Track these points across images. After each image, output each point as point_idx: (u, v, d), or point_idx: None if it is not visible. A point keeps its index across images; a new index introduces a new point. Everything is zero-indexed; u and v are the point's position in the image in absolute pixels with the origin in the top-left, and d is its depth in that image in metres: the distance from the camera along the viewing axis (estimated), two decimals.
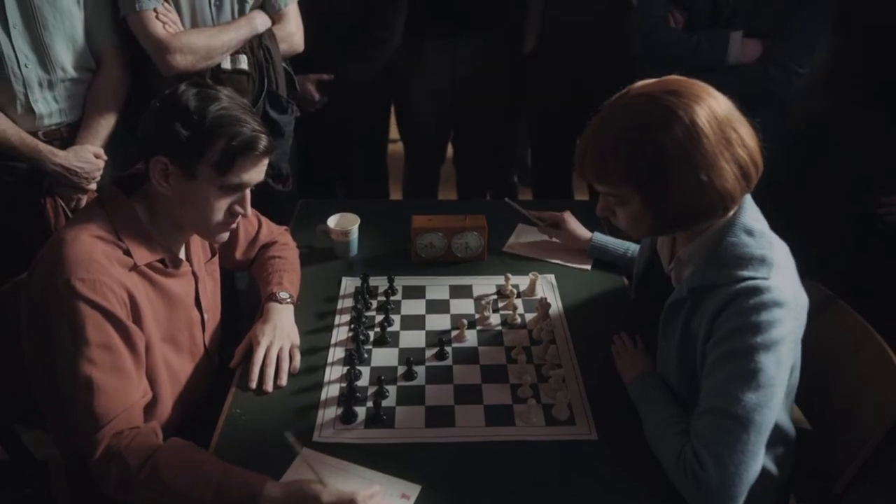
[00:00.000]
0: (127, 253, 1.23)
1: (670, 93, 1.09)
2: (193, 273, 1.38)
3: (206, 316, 1.43)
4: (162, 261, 1.30)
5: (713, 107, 1.09)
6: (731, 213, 1.17)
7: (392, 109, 2.65)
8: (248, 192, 1.29)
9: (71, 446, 1.33)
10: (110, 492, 1.14)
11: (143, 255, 1.25)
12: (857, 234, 2.00)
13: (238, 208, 1.29)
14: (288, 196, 2.17)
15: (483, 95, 2.51)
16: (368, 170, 2.62)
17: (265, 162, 1.27)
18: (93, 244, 1.19)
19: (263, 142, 1.24)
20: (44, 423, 1.43)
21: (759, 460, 1.10)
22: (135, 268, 1.24)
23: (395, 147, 2.86)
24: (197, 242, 1.43)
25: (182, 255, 1.37)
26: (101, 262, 1.18)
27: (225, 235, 1.35)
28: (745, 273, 1.11)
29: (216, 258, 1.52)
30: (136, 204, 1.27)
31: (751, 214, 1.18)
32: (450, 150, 2.85)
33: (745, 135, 1.11)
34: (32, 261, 1.25)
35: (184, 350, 1.39)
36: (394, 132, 2.74)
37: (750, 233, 1.15)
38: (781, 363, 1.10)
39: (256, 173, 1.26)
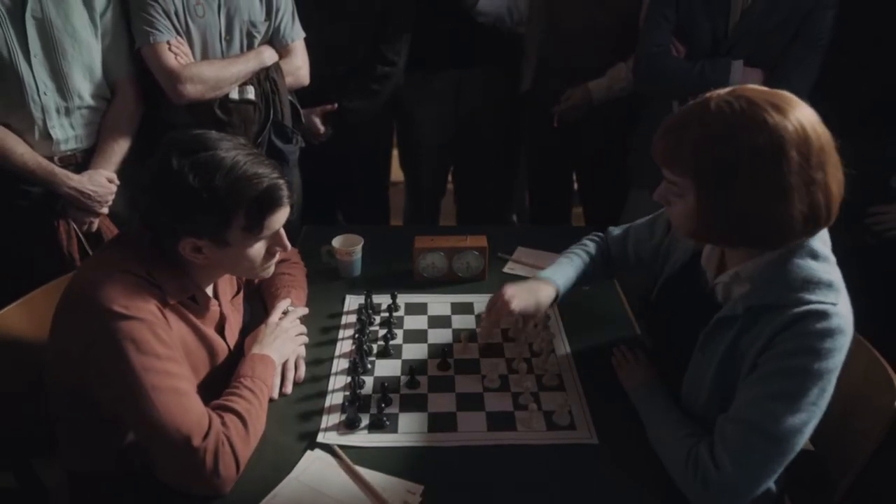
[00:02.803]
0: (158, 288, 1.22)
1: (774, 106, 1.04)
2: (221, 312, 1.39)
3: (232, 352, 1.43)
4: (192, 297, 1.30)
5: (810, 138, 1.03)
6: None
7: (394, 141, 2.73)
8: (281, 229, 1.29)
9: (85, 465, 1.33)
10: (225, 479, 1.14)
11: (174, 293, 1.24)
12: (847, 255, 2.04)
13: (276, 248, 1.31)
14: (291, 224, 2.21)
15: (485, 127, 2.60)
16: (370, 200, 2.68)
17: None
18: (124, 280, 1.18)
19: (283, 188, 1.22)
20: (44, 448, 1.45)
21: (775, 476, 1.10)
22: (166, 304, 1.23)
23: (395, 188, 2.94)
24: (225, 280, 1.43)
25: (210, 292, 1.37)
26: (133, 291, 1.18)
27: (270, 270, 1.36)
28: (813, 297, 1.07)
29: (241, 293, 1.52)
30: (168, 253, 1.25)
31: (820, 238, 1.14)
32: (451, 186, 2.93)
33: (831, 181, 1.05)
34: (62, 296, 1.23)
35: (205, 378, 1.38)
36: (395, 174, 2.81)
37: (816, 256, 1.11)
38: (825, 392, 1.08)
39: (284, 216, 1.26)
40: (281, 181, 1.22)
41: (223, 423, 1.17)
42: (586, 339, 1.58)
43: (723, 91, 1.10)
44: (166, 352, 1.17)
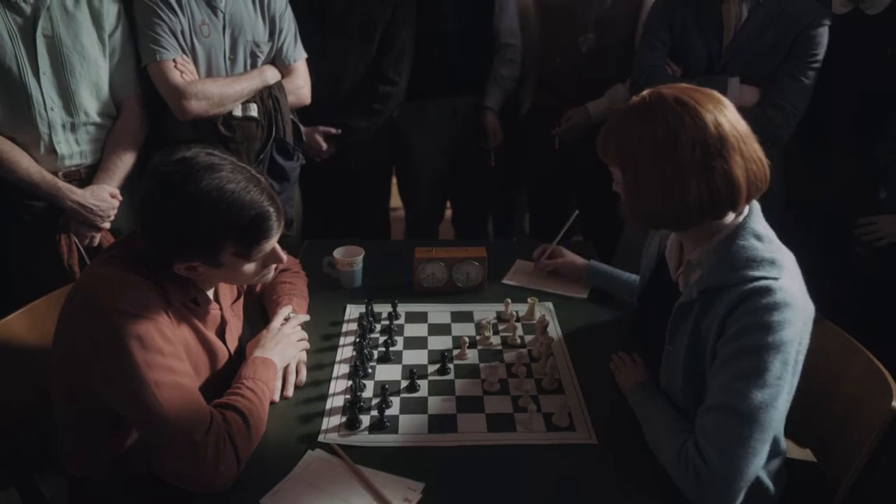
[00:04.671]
0: (161, 288, 1.23)
1: (678, 101, 1.15)
2: (222, 316, 1.41)
3: (232, 356, 1.44)
4: (194, 300, 1.31)
5: (708, 129, 1.12)
6: (742, 217, 1.21)
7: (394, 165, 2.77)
8: (276, 244, 1.30)
9: (86, 469, 1.33)
10: (225, 476, 1.15)
11: (177, 295, 1.26)
12: (838, 269, 2.08)
13: (271, 262, 1.32)
14: (292, 240, 2.24)
15: (481, 152, 2.63)
16: (370, 218, 2.71)
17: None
18: (128, 279, 1.20)
19: (271, 217, 1.22)
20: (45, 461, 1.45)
21: (760, 458, 1.11)
22: (169, 304, 1.24)
23: (396, 214, 2.99)
24: (225, 285, 1.45)
25: (211, 294, 1.39)
26: (138, 291, 1.20)
27: (269, 276, 1.38)
28: (756, 273, 1.13)
29: (241, 298, 1.54)
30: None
31: (760, 221, 1.22)
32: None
33: (735, 168, 1.13)
34: (67, 297, 1.25)
35: (205, 381, 1.39)
36: (395, 201, 2.85)
37: (759, 238, 1.18)
38: (788, 364, 1.12)
39: (274, 241, 1.28)
40: (269, 210, 1.21)
41: (225, 420, 1.18)
42: (584, 346, 1.59)
43: (647, 91, 1.21)
44: (170, 349, 1.18)
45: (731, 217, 1.21)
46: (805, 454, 1.51)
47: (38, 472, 1.48)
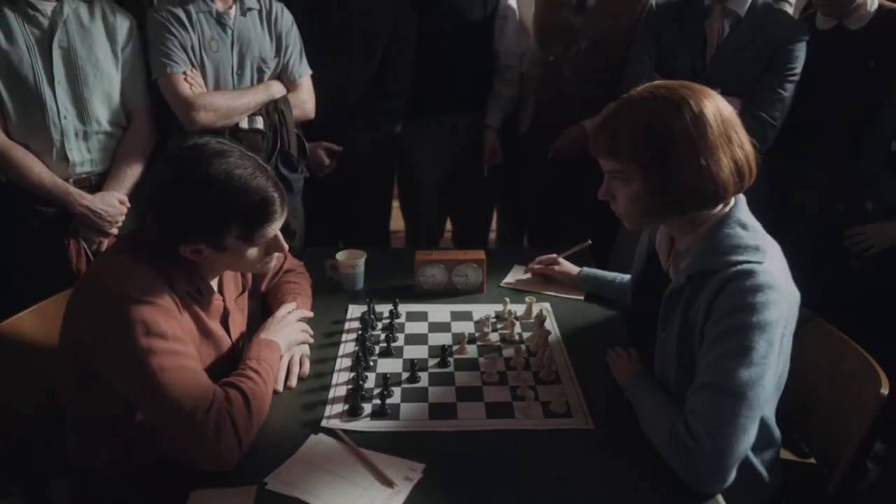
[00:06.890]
0: (167, 276, 1.27)
1: (685, 87, 1.23)
2: (225, 307, 1.44)
3: (236, 347, 1.48)
4: (198, 290, 1.35)
5: (720, 106, 1.21)
6: (728, 208, 1.27)
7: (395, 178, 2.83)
8: (279, 233, 1.35)
9: (92, 462, 1.35)
10: (228, 454, 1.18)
11: (181, 283, 1.30)
12: (831, 274, 2.12)
13: (273, 249, 1.36)
14: (294, 250, 2.28)
15: (482, 169, 2.69)
16: (371, 230, 2.74)
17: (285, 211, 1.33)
18: (134, 267, 1.25)
19: (276, 202, 1.27)
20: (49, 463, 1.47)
21: (749, 436, 1.14)
22: (174, 291, 1.28)
23: (397, 236, 3.03)
24: (229, 278, 1.49)
25: (215, 286, 1.43)
26: (144, 278, 1.24)
27: (271, 265, 1.43)
28: (740, 258, 1.19)
29: (246, 293, 1.57)
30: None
31: (745, 212, 1.27)
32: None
33: (744, 139, 1.23)
34: (75, 283, 1.31)
35: (210, 369, 1.41)
36: (396, 224, 2.90)
37: (744, 227, 1.24)
38: (773, 344, 1.15)
39: (278, 226, 1.33)
40: (274, 195, 1.27)
41: (227, 399, 1.21)
42: (582, 343, 1.62)
43: (640, 87, 1.26)
44: (174, 332, 1.22)
45: (718, 207, 1.26)
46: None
47: (43, 471, 1.50)
